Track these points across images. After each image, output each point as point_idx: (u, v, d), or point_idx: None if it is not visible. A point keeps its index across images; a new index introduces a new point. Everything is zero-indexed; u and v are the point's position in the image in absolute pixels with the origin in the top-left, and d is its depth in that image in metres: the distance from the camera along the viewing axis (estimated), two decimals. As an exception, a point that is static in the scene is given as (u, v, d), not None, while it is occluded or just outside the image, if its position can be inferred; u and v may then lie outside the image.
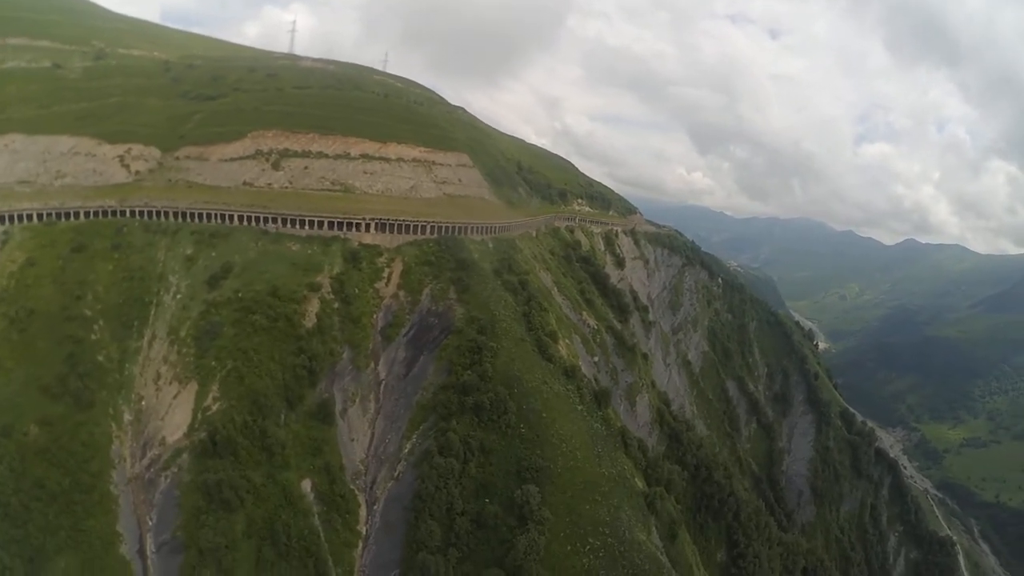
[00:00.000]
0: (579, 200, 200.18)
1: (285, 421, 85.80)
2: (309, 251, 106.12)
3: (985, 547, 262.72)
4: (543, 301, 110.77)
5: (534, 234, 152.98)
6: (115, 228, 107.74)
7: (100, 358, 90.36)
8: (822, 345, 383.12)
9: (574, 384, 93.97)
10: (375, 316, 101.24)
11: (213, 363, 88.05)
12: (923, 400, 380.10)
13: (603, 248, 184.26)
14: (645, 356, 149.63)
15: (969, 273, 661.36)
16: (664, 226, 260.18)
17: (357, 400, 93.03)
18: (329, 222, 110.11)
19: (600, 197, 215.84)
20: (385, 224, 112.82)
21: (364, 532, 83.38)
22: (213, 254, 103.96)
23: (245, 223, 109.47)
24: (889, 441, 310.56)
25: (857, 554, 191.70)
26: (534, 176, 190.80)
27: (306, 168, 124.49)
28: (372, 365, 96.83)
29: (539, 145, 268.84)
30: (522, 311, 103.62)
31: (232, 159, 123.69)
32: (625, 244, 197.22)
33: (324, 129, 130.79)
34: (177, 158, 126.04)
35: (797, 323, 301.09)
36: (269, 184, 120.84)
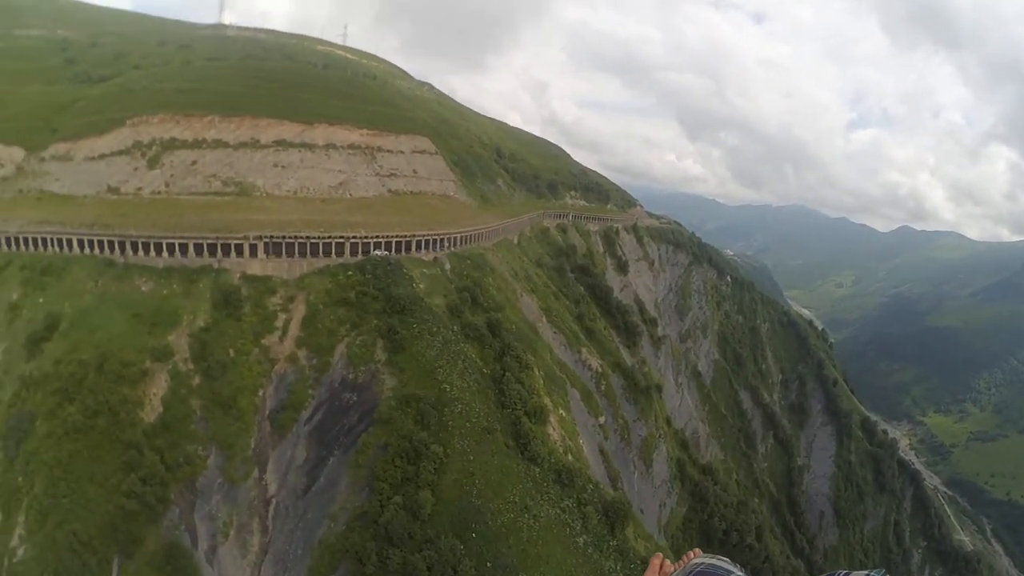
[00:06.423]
0: (572, 192, 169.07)
1: (120, 577, 53.35)
2: (165, 291, 70.75)
3: (998, 547, 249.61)
4: (525, 351, 76.38)
5: (515, 240, 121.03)
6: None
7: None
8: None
9: (572, 496, 61.38)
10: (261, 393, 67.05)
11: (20, 479, 57.10)
12: (928, 392, 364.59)
13: (602, 250, 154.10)
14: (659, 388, 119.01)
15: (967, 261, 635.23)
16: (664, 218, 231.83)
17: (232, 531, 60.96)
18: (196, 245, 73.36)
19: (596, 188, 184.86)
20: (281, 244, 75.15)
21: None
22: (40, 300, 71.97)
23: (88, 250, 75.55)
24: (895, 435, 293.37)
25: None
26: (518, 165, 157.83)
27: (193, 163, 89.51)
28: (255, 474, 63.98)
29: (525, 130, 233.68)
30: (491, 373, 70.21)
31: (100, 156, 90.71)
32: (627, 243, 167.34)
33: (228, 109, 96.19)
34: (43, 159, 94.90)
35: (811, 323, 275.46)
36: (139, 189, 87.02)
